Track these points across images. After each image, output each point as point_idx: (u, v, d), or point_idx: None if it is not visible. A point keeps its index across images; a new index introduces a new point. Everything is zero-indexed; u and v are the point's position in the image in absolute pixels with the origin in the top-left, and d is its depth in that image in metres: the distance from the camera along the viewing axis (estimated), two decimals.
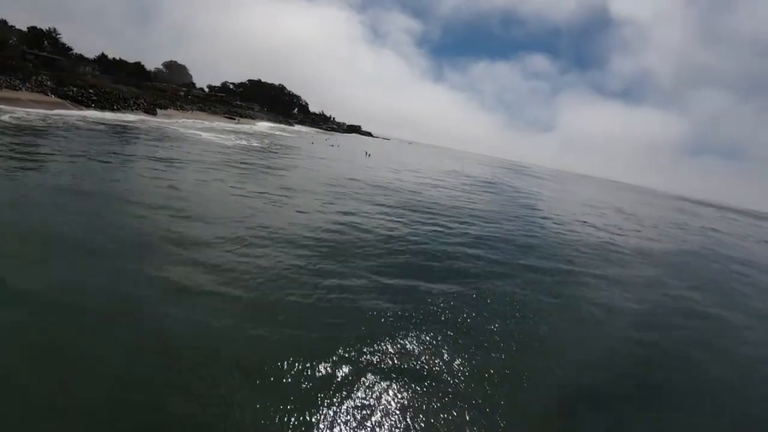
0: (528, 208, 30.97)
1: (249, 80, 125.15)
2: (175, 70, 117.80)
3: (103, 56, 74.51)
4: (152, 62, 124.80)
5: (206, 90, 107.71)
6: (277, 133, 69.67)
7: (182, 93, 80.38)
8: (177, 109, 61.98)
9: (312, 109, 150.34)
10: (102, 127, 31.12)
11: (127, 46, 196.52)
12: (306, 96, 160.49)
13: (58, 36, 70.39)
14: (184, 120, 54.62)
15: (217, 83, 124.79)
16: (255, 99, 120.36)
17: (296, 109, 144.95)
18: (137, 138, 28.63)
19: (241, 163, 26.45)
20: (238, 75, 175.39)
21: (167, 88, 76.53)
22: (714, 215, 75.68)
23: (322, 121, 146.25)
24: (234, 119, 77.11)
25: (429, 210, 21.49)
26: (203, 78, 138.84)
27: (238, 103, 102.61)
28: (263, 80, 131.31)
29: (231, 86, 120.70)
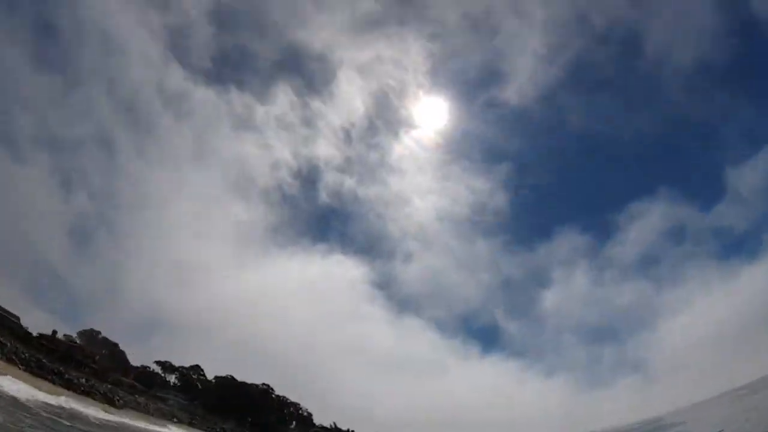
0: None
1: (193, 367, 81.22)
2: (94, 342, 79.54)
3: None
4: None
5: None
6: None
7: None
8: None
9: (318, 420, 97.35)
10: None
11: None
12: (310, 402, 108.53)
13: None
14: None
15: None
16: (220, 405, 75.27)
17: (294, 423, 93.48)
18: None
19: None
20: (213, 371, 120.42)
21: None
22: None
23: None
24: None
25: None
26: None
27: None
28: (237, 378, 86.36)
29: (161, 373, 77.01)
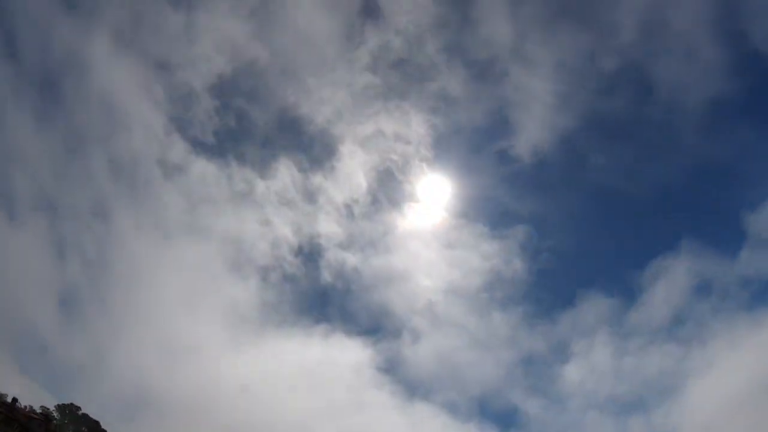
0: None
1: None
2: (72, 417, 75.65)
3: None
4: None
5: None
6: None
7: None
8: None
9: None
10: None
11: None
12: None
13: None
14: None
15: None
16: None
17: None
18: None
19: None
20: None
21: None
22: None
23: None
24: None
25: None
26: None
27: None
28: None
29: None
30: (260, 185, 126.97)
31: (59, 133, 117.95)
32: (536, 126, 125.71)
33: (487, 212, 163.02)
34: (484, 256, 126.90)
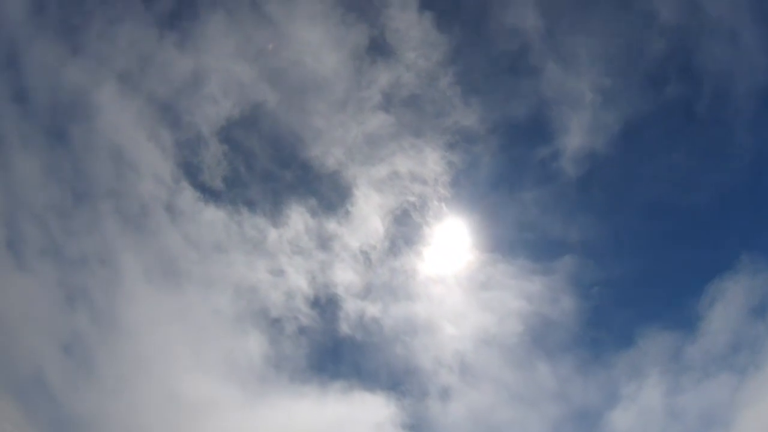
0: None
1: None
2: None
3: None
4: None
5: None
6: None
7: None
8: None
9: None
10: None
11: None
12: None
13: None
14: None
15: None
16: None
17: None
18: None
19: None
20: None
21: None
22: None
23: None
24: None
25: None
26: None
27: None
28: None
29: None
30: (272, 233, 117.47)
31: (66, 179, 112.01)
32: (578, 131, 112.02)
33: (526, 243, 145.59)
34: (525, 295, 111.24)
